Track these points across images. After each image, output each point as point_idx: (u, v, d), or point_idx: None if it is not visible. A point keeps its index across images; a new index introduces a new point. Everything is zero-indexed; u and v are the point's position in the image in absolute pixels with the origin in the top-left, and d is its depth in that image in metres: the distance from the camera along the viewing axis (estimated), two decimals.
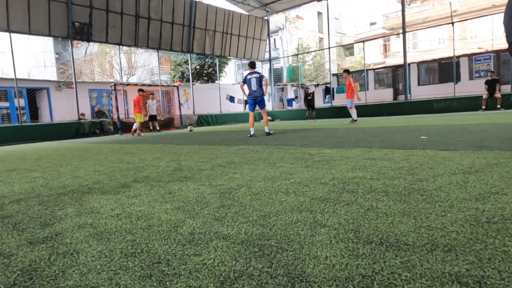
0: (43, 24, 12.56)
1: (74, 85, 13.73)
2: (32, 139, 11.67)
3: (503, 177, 2.22)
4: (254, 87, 7.57)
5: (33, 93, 16.04)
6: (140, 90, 12.52)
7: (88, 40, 14.13)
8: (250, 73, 7.64)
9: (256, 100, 7.68)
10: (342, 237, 1.39)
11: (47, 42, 24.46)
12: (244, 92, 7.85)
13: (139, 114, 12.15)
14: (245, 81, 7.67)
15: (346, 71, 11.34)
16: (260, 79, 7.56)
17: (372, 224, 1.52)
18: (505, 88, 14.72)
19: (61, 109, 15.92)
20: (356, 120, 11.38)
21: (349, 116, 12.00)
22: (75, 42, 17.38)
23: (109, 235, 1.60)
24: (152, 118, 14.58)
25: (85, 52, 26.55)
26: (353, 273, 1.08)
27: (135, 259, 1.30)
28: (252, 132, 7.62)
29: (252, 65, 7.76)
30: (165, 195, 2.36)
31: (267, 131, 7.78)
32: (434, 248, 1.21)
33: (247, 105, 8.09)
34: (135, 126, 12.24)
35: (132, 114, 15.35)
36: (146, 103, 14.76)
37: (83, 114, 14.93)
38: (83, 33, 13.64)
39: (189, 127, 13.75)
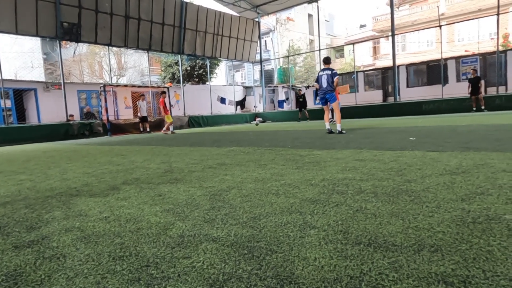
0: (30, 24, 12.34)
1: (62, 86, 13.53)
2: (20, 141, 11.45)
3: (488, 177, 2.27)
4: (324, 84, 7.38)
5: (20, 94, 15.74)
6: (163, 92, 13.28)
7: (77, 40, 13.94)
8: (323, 70, 7.50)
9: (325, 96, 7.46)
10: (331, 238, 1.39)
11: (35, 42, 24.08)
12: (318, 89, 7.69)
13: (166, 115, 12.97)
14: (317, 78, 7.57)
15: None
16: (332, 76, 7.34)
17: (360, 225, 1.53)
18: (491, 90, 15.01)
19: (49, 110, 15.66)
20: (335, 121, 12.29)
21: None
22: (63, 42, 17.11)
23: (97, 239, 1.58)
24: (143, 119, 14.48)
25: (74, 53, 26.21)
26: (342, 274, 1.08)
27: (123, 263, 1.29)
28: (328, 127, 7.51)
29: (326, 60, 7.58)
30: (155, 197, 2.34)
31: (339, 129, 7.25)
32: (421, 249, 1.23)
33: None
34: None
35: (123, 115, 15.34)
36: (137, 104, 14.68)
37: (72, 115, 14.72)
38: (72, 34, 13.44)
39: (256, 120, 13.84)
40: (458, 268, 1.07)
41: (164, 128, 13.20)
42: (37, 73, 23.56)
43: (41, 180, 3.44)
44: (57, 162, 5.00)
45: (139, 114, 14.58)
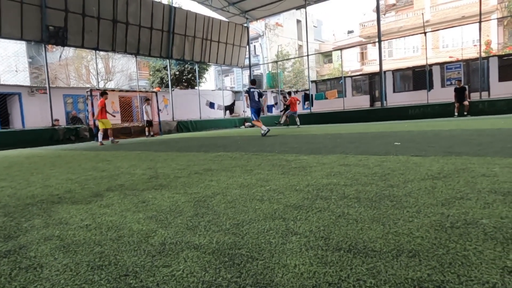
0: (15, 28, 12.12)
1: (47, 91, 13.31)
2: (3, 146, 11.19)
3: (468, 182, 2.31)
4: (257, 98, 9.30)
5: (3, 99, 15.42)
6: (104, 93, 10.96)
7: (63, 44, 13.75)
8: (253, 88, 9.36)
9: (260, 108, 9.40)
10: (312, 244, 1.40)
11: (19, 46, 23.65)
12: (246, 101, 9.43)
13: (104, 120, 10.76)
14: (249, 93, 9.27)
15: (289, 93, 15.93)
16: (260, 94, 9.49)
17: (342, 231, 1.54)
18: (475, 96, 15.38)
19: (34, 115, 15.37)
20: (299, 126, 15.20)
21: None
22: (49, 46, 16.84)
23: (76, 247, 1.55)
24: (149, 123, 14.48)
25: (60, 57, 25.82)
26: (320, 281, 1.09)
27: (102, 272, 1.27)
28: (266, 128, 9.18)
29: (254, 82, 9.54)
30: (138, 204, 2.32)
31: (265, 132, 9.16)
32: (399, 254, 1.25)
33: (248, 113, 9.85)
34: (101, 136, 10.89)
35: (110, 120, 15.09)
36: (143, 108, 14.69)
37: (57, 120, 14.48)
38: (58, 37, 13.25)
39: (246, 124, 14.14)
40: (434, 273, 1.08)
41: (100, 138, 10.81)
42: (21, 77, 23.12)
43: (22, 187, 3.37)
44: (40, 168, 4.90)
45: (145, 118, 14.57)
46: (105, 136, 11.04)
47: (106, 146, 9.67)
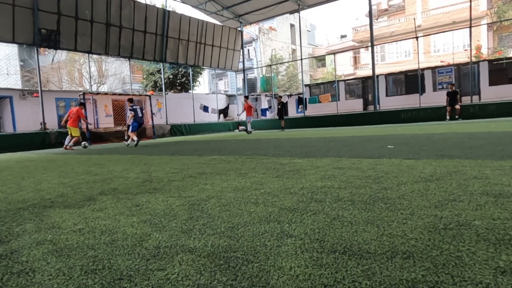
0: (6, 30, 12.00)
1: (39, 94, 13.17)
2: None
3: (461, 184, 2.34)
4: (140, 114, 10.84)
5: None
6: (82, 104, 11.56)
7: (56, 47, 13.64)
8: (135, 105, 10.74)
9: (142, 123, 10.88)
10: (307, 247, 1.40)
11: (11, 49, 23.41)
12: (131, 118, 10.50)
13: (75, 128, 10.93)
14: (135, 110, 10.53)
15: (246, 97, 16.38)
16: (141, 109, 11.11)
17: (337, 233, 1.55)
18: (465, 100, 15.59)
19: (26, 118, 15.20)
20: (250, 132, 15.28)
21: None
22: (41, 49, 16.70)
23: (69, 252, 1.53)
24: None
25: (52, 60, 25.60)
26: (316, 283, 1.09)
27: (96, 276, 1.25)
28: (136, 140, 10.29)
29: (132, 100, 11.11)
30: (132, 208, 2.30)
31: (134, 142, 10.32)
32: (394, 256, 1.25)
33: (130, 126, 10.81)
34: (69, 140, 10.89)
35: (103, 124, 14.83)
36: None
37: (44, 123, 14.28)
38: (50, 40, 13.14)
39: (83, 144, 11.36)
40: (428, 274, 1.09)
41: (71, 143, 10.94)
42: (13, 80, 22.84)
43: (13, 191, 3.32)
44: (31, 172, 4.84)
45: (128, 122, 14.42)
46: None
47: (100, 150, 9.59)
